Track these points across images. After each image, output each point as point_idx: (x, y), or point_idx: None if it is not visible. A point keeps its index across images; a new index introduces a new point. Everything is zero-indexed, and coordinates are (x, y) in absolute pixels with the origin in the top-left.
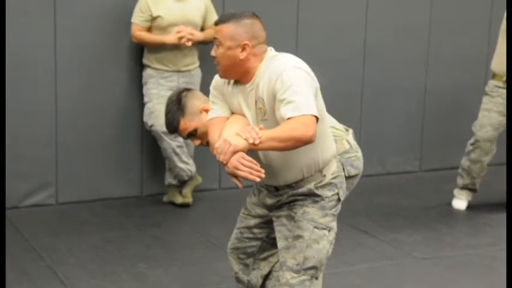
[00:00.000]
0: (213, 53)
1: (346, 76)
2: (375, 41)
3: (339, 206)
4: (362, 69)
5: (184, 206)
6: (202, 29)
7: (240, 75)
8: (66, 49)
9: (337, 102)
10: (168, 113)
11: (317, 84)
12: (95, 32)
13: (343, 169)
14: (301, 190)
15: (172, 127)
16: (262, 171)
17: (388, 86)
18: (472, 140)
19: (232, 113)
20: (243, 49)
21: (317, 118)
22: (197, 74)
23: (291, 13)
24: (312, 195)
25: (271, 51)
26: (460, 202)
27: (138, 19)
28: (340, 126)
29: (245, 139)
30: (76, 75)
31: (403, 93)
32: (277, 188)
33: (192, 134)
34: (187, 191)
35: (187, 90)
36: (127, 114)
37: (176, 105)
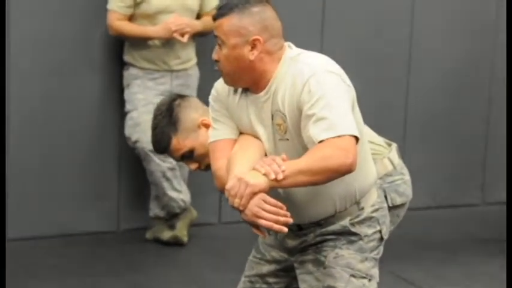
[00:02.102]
0: (214, 55)
1: (385, 80)
2: (424, 34)
3: (381, 247)
4: (407, 72)
5: (174, 243)
6: (198, 16)
7: (252, 81)
8: (19, 41)
9: (373, 112)
10: (155, 127)
11: (354, 93)
12: (60, 19)
13: (386, 197)
14: (332, 228)
15: (161, 146)
16: (289, 215)
17: (440, 97)
18: None
19: (241, 133)
20: (253, 46)
21: (357, 139)
22: (195, 74)
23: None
24: (346, 234)
25: (290, 48)
26: None
27: (116, 5)
28: (380, 140)
29: (264, 174)
30: (33, 76)
31: (460, 103)
32: (300, 227)
33: (187, 156)
34: (181, 226)
35: (181, 97)
36: (101, 126)
37: (167, 118)
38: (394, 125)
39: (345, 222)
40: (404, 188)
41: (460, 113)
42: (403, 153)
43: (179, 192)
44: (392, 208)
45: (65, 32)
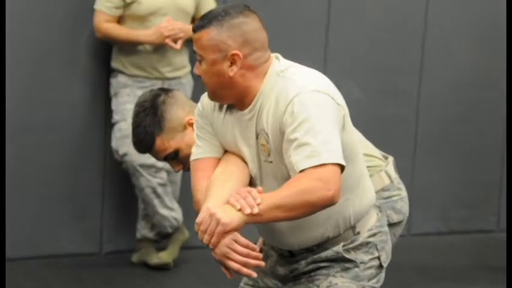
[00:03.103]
0: (195, 70)
1: (395, 92)
2: (438, 45)
3: (382, 275)
4: (417, 85)
5: (162, 268)
6: (193, 20)
7: (235, 98)
8: None
9: (378, 128)
10: (138, 125)
11: (345, 111)
12: (42, 21)
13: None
14: (325, 254)
15: (144, 147)
16: (261, 257)
17: (454, 110)
18: None
19: (225, 151)
20: (233, 62)
21: (343, 167)
22: (188, 83)
23: (320, 5)
24: (340, 261)
25: (277, 60)
26: None
27: (104, 5)
28: (377, 152)
29: (239, 210)
30: (13, 82)
31: (475, 121)
32: (292, 253)
33: (171, 157)
34: (172, 247)
35: (165, 92)
36: (84, 137)
37: (150, 116)
38: (403, 141)
39: (338, 247)
40: (401, 204)
41: (475, 130)
42: (412, 173)
43: (171, 210)
44: (388, 226)
45: (47, 35)
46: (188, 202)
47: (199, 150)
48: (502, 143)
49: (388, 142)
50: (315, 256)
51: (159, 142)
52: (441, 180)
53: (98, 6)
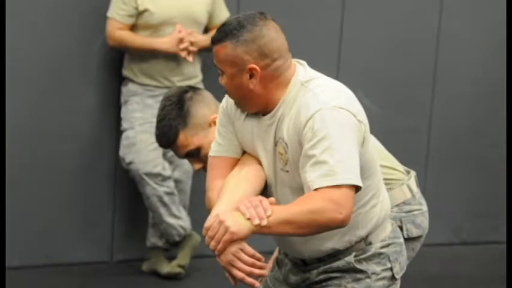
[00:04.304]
0: (220, 81)
1: (407, 104)
2: (451, 57)
3: (395, 286)
4: (430, 96)
5: (173, 277)
6: (206, 30)
7: (260, 107)
8: (11, 52)
9: (390, 139)
10: (162, 118)
11: (366, 127)
12: (55, 29)
13: (401, 228)
14: (336, 264)
15: (167, 141)
16: (266, 267)
17: (466, 122)
18: None
19: (244, 152)
20: (251, 75)
21: (358, 188)
22: None
23: (333, 16)
24: (352, 271)
25: (302, 68)
26: None
27: (118, 13)
28: (399, 166)
29: (248, 219)
30: (25, 90)
31: (487, 133)
32: (304, 262)
33: (192, 154)
34: (182, 255)
35: (193, 90)
36: (95, 145)
37: (176, 110)
38: (415, 152)
39: (350, 258)
40: (421, 219)
41: (488, 142)
42: (424, 184)
43: (178, 219)
44: (407, 240)
45: (59, 43)
46: (199, 208)
47: (219, 148)
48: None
49: (400, 153)
50: (327, 266)
51: (182, 137)
52: (453, 191)
53: (111, 14)
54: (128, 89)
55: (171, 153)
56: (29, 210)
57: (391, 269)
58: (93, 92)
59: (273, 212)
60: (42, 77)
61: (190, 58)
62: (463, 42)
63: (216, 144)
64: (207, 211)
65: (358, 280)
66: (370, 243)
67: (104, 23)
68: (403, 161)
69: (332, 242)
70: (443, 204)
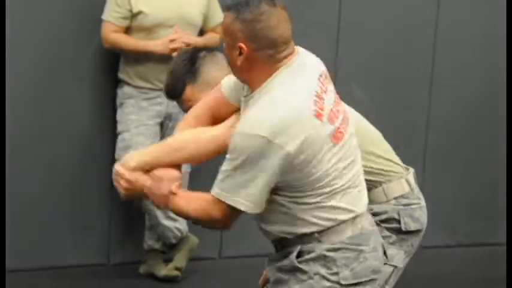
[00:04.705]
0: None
1: (404, 105)
2: (448, 58)
3: None
4: (427, 97)
5: (170, 280)
6: (202, 32)
7: (245, 83)
8: (8, 54)
9: (388, 139)
10: (172, 71)
11: (302, 151)
12: (50, 32)
13: (399, 221)
14: (285, 263)
15: (173, 92)
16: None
17: (464, 123)
18: None
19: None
20: (240, 53)
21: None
22: None
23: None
24: (295, 271)
25: (291, 67)
26: None
27: (112, 16)
28: (399, 161)
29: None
30: (21, 93)
31: (485, 134)
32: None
33: None
34: (179, 257)
35: (209, 51)
36: (91, 148)
37: (187, 66)
38: (412, 153)
39: (293, 256)
40: (419, 213)
41: (485, 142)
42: (421, 185)
43: (174, 221)
44: (405, 234)
45: (55, 46)
46: None
47: (229, 89)
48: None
49: (397, 154)
50: (278, 264)
51: (188, 91)
52: (450, 193)
53: (105, 16)
54: (123, 91)
55: None
56: (26, 213)
57: (337, 273)
58: (89, 94)
59: (171, 201)
60: (37, 79)
61: None
62: (461, 40)
63: (228, 82)
64: None
65: (301, 282)
66: (320, 242)
67: (99, 26)
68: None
69: (276, 227)
70: (440, 206)
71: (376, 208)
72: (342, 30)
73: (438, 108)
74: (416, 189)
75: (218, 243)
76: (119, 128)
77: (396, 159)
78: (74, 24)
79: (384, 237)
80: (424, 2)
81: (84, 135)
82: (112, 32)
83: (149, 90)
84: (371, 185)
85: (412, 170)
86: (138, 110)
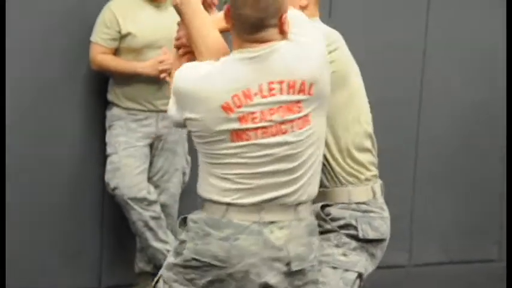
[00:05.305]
0: None
1: (393, 124)
2: (437, 78)
3: None
4: (416, 117)
5: None
6: None
7: None
8: None
9: (378, 157)
10: None
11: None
12: (39, 52)
13: (356, 228)
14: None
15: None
16: None
17: (454, 141)
18: None
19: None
20: (226, 14)
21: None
22: None
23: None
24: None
25: (251, 54)
26: None
27: (100, 37)
28: (373, 168)
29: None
30: (11, 116)
31: (474, 152)
32: None
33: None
34: None
35: None
36: (82, 170)
37: None
38: (402, 171)
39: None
40: (379, 223)
41: (475, 160)
42: (412, 202)
43: (165, 243)
44: (365, 242)
45: (44, 68)
46: None
47: None
48: (501, 173)
49: (388, 172)
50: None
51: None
52: (441, 210)
53: (94, 38)
54: (112, 113)
55: (156, 177)
56: (17, 236)
57: (184, 242)
58: (79, 117)
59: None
60: (27, 102)
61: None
62: (449, 62)
63: None
64: None
65: None
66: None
67: (88, 47)
68: (389, 179)
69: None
70: (431, 223)
71: (335, 213)
72: None
73: (427, 128)
74: (381, 200)
75: None
76: (108, 150)
77: (372, 164)
78: (63, 45)
79: (344, 243)
80: (412, 22)
81: (75, 159)
82: (99, 54)
83: (138, 111)
84: (338, 183)
85: (380, 181)
86: (127, 132)
